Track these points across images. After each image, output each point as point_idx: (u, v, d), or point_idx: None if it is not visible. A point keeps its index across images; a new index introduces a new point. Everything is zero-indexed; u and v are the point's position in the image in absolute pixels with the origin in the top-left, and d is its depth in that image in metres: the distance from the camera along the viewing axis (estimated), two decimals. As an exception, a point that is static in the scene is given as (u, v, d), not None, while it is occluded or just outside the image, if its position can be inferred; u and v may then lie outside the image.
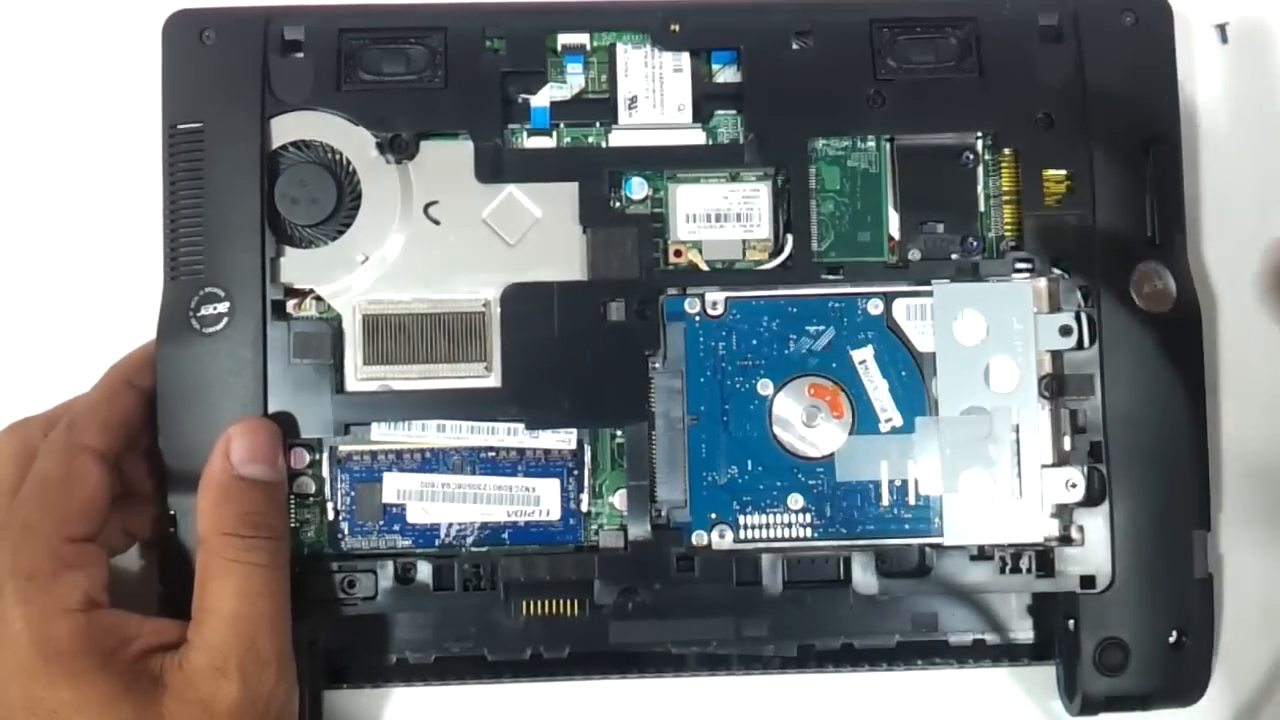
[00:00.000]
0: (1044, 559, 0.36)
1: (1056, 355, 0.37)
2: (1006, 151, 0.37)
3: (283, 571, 0.34)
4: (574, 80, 0.38)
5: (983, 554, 0.36)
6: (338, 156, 0.37)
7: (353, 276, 0.36)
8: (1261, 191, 0.40)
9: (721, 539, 0.36)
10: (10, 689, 0.31)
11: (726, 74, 0.38)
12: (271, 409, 0.35)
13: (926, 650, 0.38)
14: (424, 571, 0.36)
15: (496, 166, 0.37)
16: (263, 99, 0.36)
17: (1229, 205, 0.40)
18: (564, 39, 0.38)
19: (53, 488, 0.33)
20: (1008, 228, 0.37)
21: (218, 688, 0.32)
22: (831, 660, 0.38)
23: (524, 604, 0.36)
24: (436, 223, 0.37)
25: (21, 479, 0.34)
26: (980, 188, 0.38)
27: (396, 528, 0.36)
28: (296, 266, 0.36)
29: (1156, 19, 0.38)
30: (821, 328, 0.36)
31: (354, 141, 0.37)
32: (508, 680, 0.38)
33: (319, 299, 0.36)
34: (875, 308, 0.36)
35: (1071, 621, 0.36)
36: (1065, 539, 0.36)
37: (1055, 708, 0.38)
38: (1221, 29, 0.41)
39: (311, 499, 0.36)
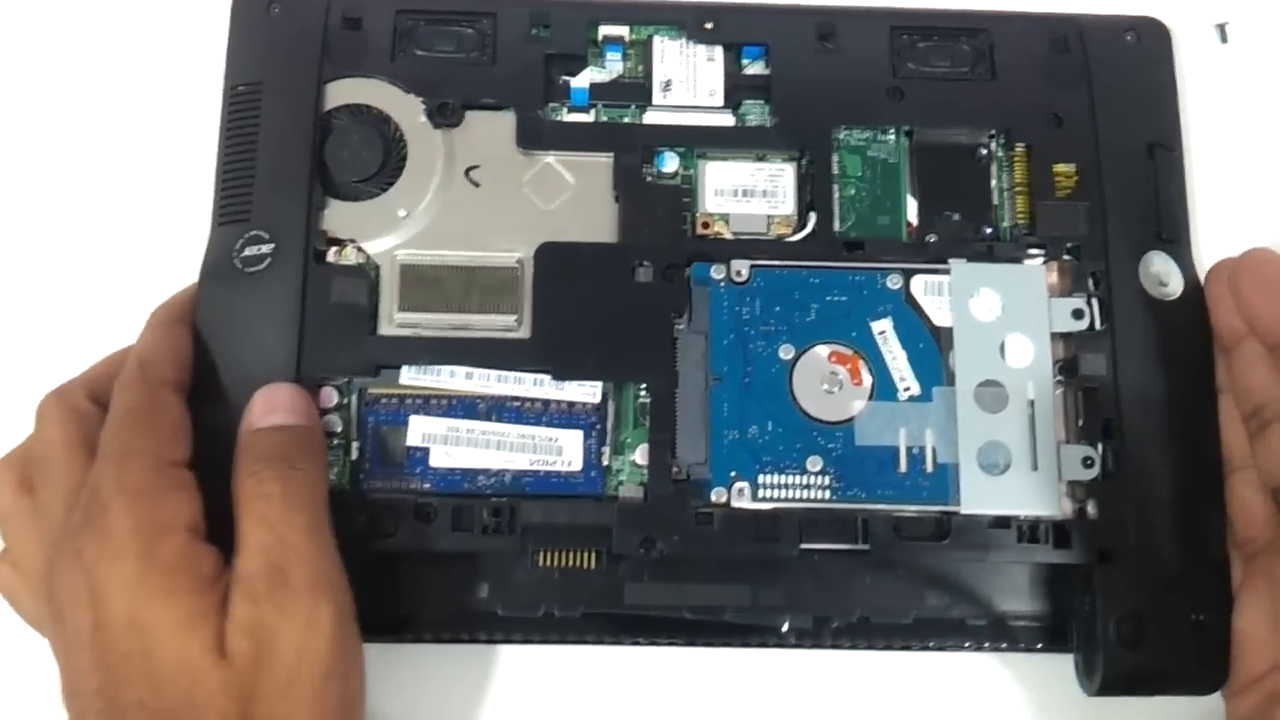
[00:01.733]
0: (1060, 533, 0.36)
1: (1069, 337, 0.38)
2: (1018, 147, 0.40)
3: (310, 505, 0.34)
4: (613, 66, 0.40)
5: (1000, 524, 0.37)
6: (387, 120, 0.39)
7: (393, 230, 0.38)
8: (1261, 192, 0.42)
9: (740, 496, 0.36)
10: (115, 603, 0.31)
11: (755, 68, 0.41)
12: (306, 348, 0.36)
13: (942, 629, 0.38)
14: (444, 514, 0.36)
15: (537, 136, 0.39)
16: (320, 64, 0.39)
17: (1229, 205, 0.42)
18: (605, 30, 0.40)
19: (143, 417, 0.34)
20: (1020, 216, 0.39)
21: (255, 617, 0.31)
22: (846, 636, 0.38)
23: (541, 554, 0.36)
24: (476, 185, 0.38)
25: (74, 439, 0.34)
26: (994, 181, 0.40)
27: (418, 471, 0.36)
28: (339, 217, 0.38)
29: (1155, 39, 0.41)
30: (842, 298, 0.38)
31: (403, 107, 0.39)
32: (518, 641, 0.37)
33: (359, 249, 0.38)
34: (894, 282, 0.38)
35: (1089, 597, 0.36)
36: (1081, 513, 0.37)
37: (1068, 699, 0.38)
38: (1221, 29, 0.43)
39: (337, 439, 0.37)
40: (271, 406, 0.35)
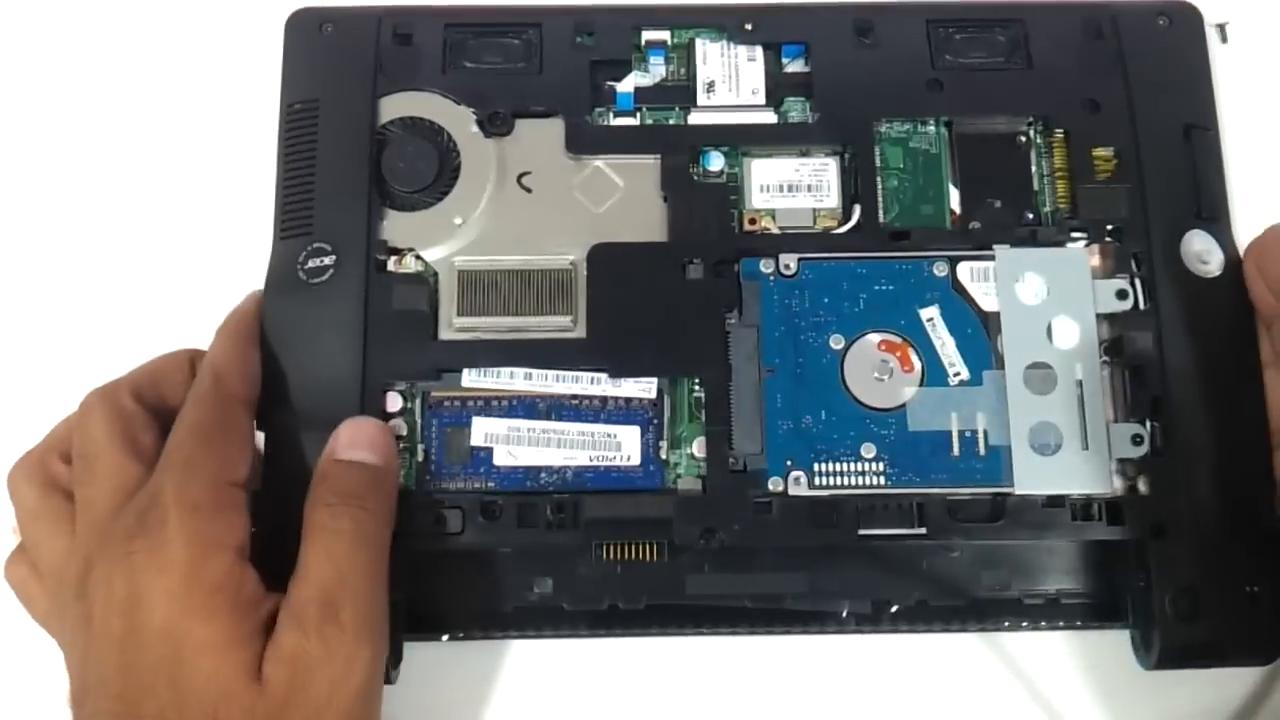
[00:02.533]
0: (1113, 510, 0.37)
1: (1114, 318, 0.38)
2: (1057, 134, 0.40)
3: (373, 547, 0.34)
4: (656, 70, 0.41)
5: (1053, 503, 0.37)
6: (440, 131, 0.40)
7: (449, 237, 0.39)
8: (1261, 192, 0.42)
9: (797, 485, 0.37)
10: (155, 611, 0.32)
11: (795, 66, 0.41)
12: (370, 355, 0.37)
13: (999, 609, 0.38)
14: (509, 511, 0.37)
15: (585, 141, 0.40)
16: (374, 80, 0.40)
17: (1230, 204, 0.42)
18: (647, 35, 0.41)
19: (213, 432, 0.35)
20: (1061, 201, 0.40)
21: (299, 647, 0.32)
22: (905, 619, 0.38)
23: (604, 548, 0.37)
24: (528, 191, 0.40)
25: (120, 437, 0.35)
26: (1034, 168, 0.40)
27: (483, 470, 0.38)
28: (398, 228, 0.39)
29: (1188, 22, 0.42)
30: (890, 287, 0.39)
31: (456, 118, 0.40)
32: (584, 634, 0.38)
33: (418, 257, 0.39)
34: (940, 270, 0.39)
35: (1143, 572, 0.37)
36: (1132, 490, 0.37)
37: (1125, 673, 0.38)
38: (1221, 29, 0.44)
39: (403, 442, 0.38)
40: (355, 440, 0.36)
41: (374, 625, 0.34)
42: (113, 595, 0.32)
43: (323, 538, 0.34)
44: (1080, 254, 0.39)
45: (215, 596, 0.32)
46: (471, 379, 0.38)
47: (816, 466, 0.37)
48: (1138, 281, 0.39)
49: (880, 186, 0.40)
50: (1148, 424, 0.37)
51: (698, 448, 0.38)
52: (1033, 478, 0.37)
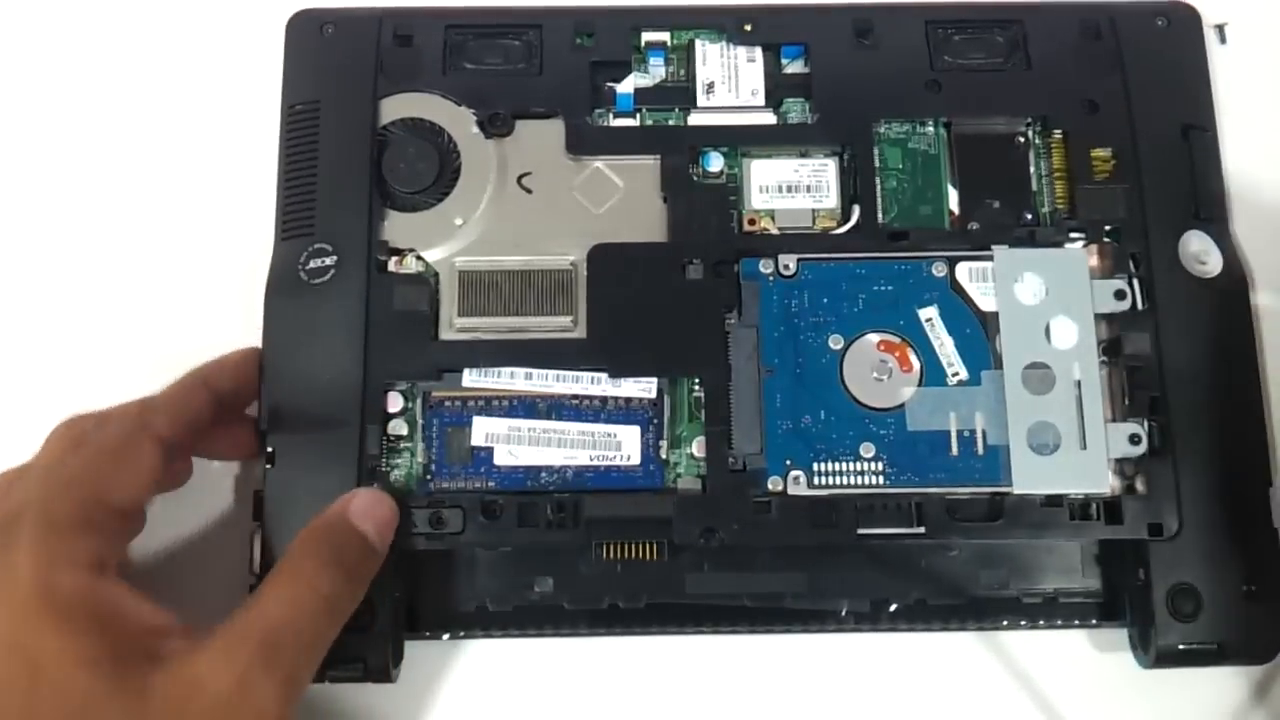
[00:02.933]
0: (1112, 509, 0.37)
1: (1112, 318, 0.39)
2: (1056, 134, 0.40)
3: (337, 621, 0.34)
4: (656, 71, 0.41)
5: (1051, 502, 0.37)
6: (441, 132, 0.40)
7: (450, 238, 0.39)
8: (1260, 192, 0.42)
9: (796, 484, 0.37)
10: (2, 625, 0.31)
11: (795, 66, 0.42)
12: (371, 355, 0.38)
13: (998, 608, 0.39)
14: (510, 510, 0.37)
15: (585, 142, 0.40)
16: (375, 81, 0.40)
17: (1230, 204, 0.42)
18: (647, 36, 0.42)
19: (106, 452, 0.34)
20: (1060, 201, 0.40)
21: (212, 674, 0.31)
22: (904, 618, 0.39)
23: (604, 547, 0.37)
24: (529, 192, 0.40)
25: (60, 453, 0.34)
26: (1033, 168, 0.41)
27: (483, 470, 0.38)
28: (398, 228, 0.39)
29: (1186, 23, 0.42)
30: (889, 288, 0.39)
31: (456, 119, 0.40)
32: (584, 634, 0.38)
33: (418, 258, 0.39)
34: (939, 270, 0.39)
35: (1142, 571, 0.37)
36: (1130, 490, 0.37)
37: (1124, 672, 0.38)
38: (1220, 30, 0.44)
39: (404, 442, 0.38)
40: (369, 514, 0.35)
41: (297, 694, 0.32)
42: None
43: (297, 586, 0.33)
44: (1079, 254, 0.39)
45: (70, 611, 0.31)
46: (472, 379, 0.38)
47: (816, 466, 0.37)
48: (1136, 282, 0.39)
49: (879, 187, 0.40)
50: (1146, 424, 0.38)
51: (697, 447, 0.38)
52: (1031, 477, 0.37)
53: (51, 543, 0.32)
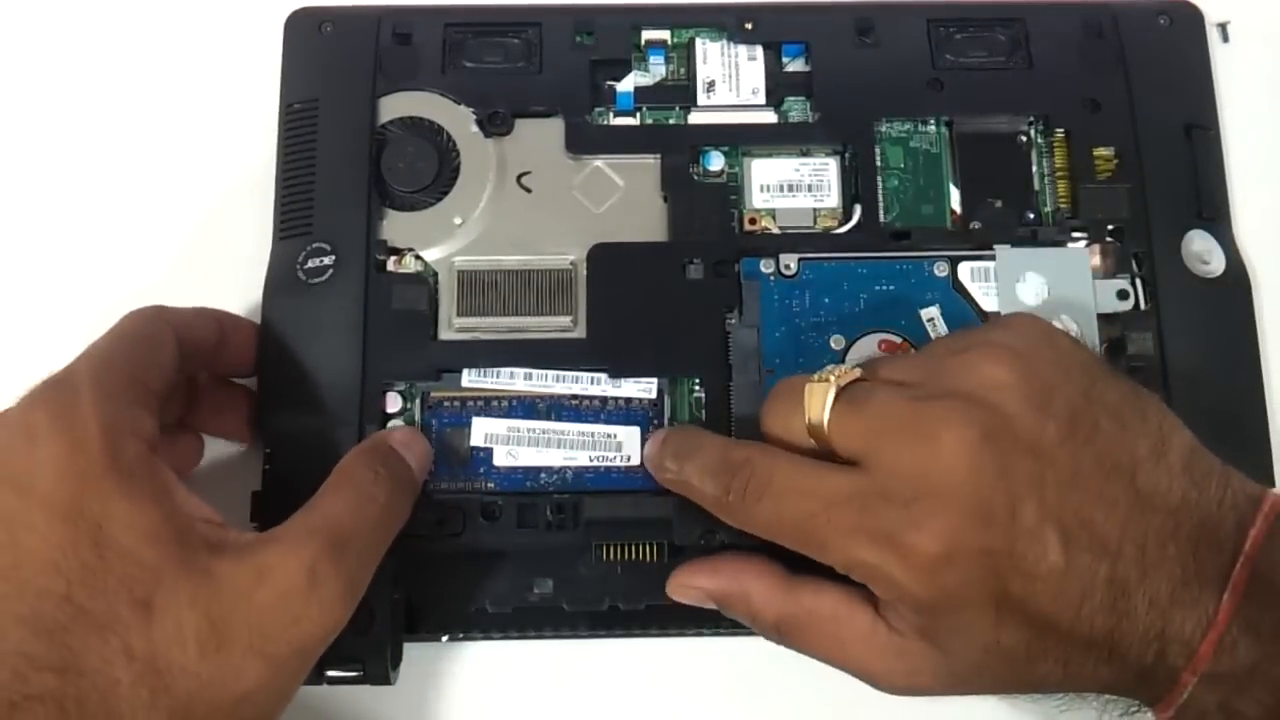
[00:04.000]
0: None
1: (1114, 318, 0.38)
2: (1058, 133, 0.40)
3: (390, 529, 0.34)
4: (656, 70, 0.41)
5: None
6: (440, 131, 0.40)
7: (449, 237, 0.39)
8: (1262, 192, 0.42)
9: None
10: (59, 492, 0.29)
11: (796, 65, 0.41)
12: (370, 355, 0.37)
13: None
14: (509, 511, 0.37)
15: (585, 141, 0.40)
16: (374, 79, 0.40)
17: (1232, 203, 0.42)
18: (647, 34, 0.41)
19: (137, 339, 0.33)
20: (1062, 201, 0.40)
21: (284, 565, 0.30)
22: (905, 619, 0.38)
23: (604, 548, 0.37)
24: (528, 191, 0.40)
25: None
26: (1035, 167, 0.40)
27: (483, 470, 0.37)
28: (397, 227, 0.39)
29: (1188, 21, 0.42)
30: (890, 287, 0.39)
31: (455, 118, 0.40)
32: (584, 634, 0.38)
33: (417, 257, 0.39)
34: (941, 270, 0.39)
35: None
36: (1133, 490, 0.37)
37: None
38: (1222, 28, 0.43)
39: (403, 442, 0.38)
40: (410, 447, 0.35)
41: (356, 599, 0.32)
42: (1, 475, 0.30)
43: (357, 493, 0.33)
44: (1081, 254, 0.39)
45: (135, 481, 0.30)
46: (471, 379, 0.38)
47: (817, 467, 0.37)
48: (1138, 281, 0.39)
49: (881, 186, 0.40)
50: (1148, 424, 0.37)
51: (698, 448, 0.38)
52: (1033, 478, 0.37)
53: (113, 409, 0.30)
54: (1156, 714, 0.30)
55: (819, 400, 0.32)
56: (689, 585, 0.36)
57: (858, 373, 0.33)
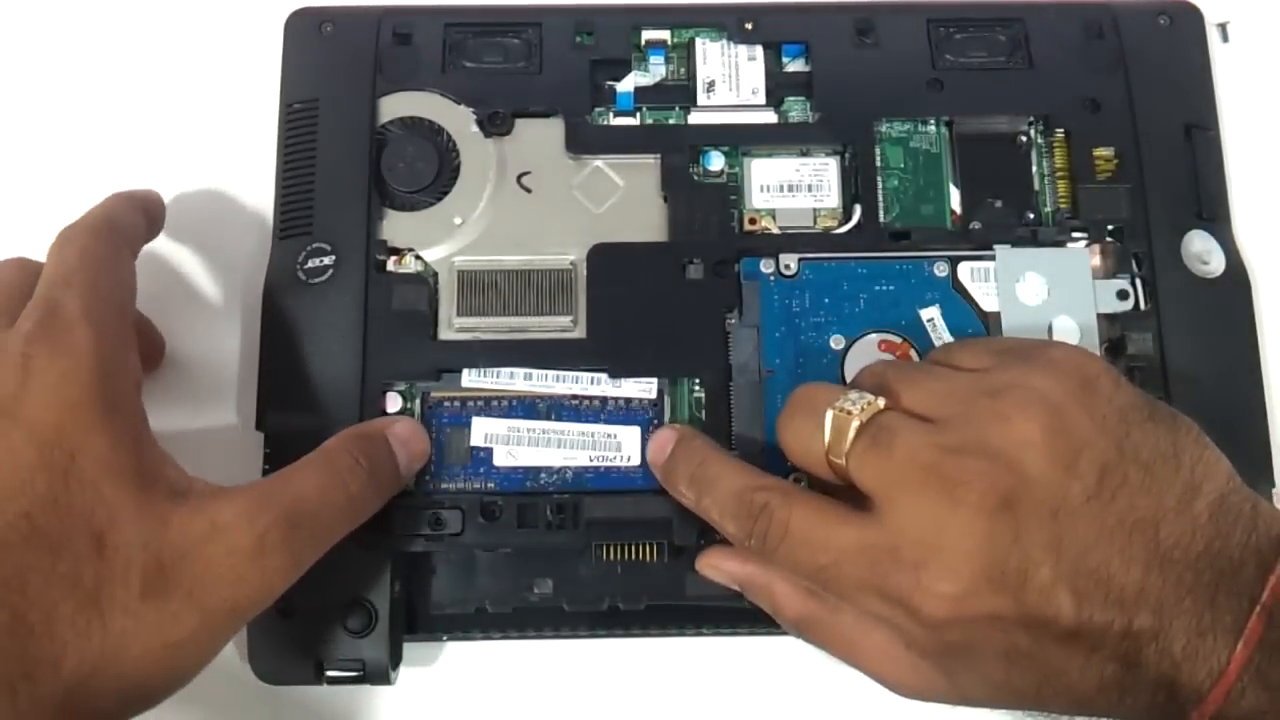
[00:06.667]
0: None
1: (1114, 318, 0.38)
2: (1058, 133, 0.40)
3: (350, 525, 0.34)
4: (656, 70, 0.41)
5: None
6: (440, 131, 0.40)
7: (449, 237, 0.39)
8: (1262, 192, 0.42)
9: (798, 484, 0.37)
10: (45, 417, 0.30)
11: (796, 65, 0.41)
12: (370, 355, 0.37)
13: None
14: (509, 511, 0.37)
15: (585, 141, 0.40)
16: (374, 80, 0.40)
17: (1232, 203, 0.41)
18: (647, 34, 0.41)
19: (110, 266, 0.33)
20: (1062, 201, 0.40)
21: (236, 526, 0.31)
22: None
23: (604, 548, 0.37)
24: (528, 191, 0.40)
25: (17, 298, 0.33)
26: (1035, 168, 0.40)
27: (483, 470, 0.37)
28: (397, 227, 0.39)
29: (1188, 21, 0.42)
30: (890, 287, 0.39)
31: (455, 118, 0.40)
32: (584, 634, 0.38)
33: (417, 257, 0.39)
34: (941, 270, 0.39)
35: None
36: (1133, 490, 0.37)
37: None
38: (1222, 28, 0.43)
39: (403, 442, 0.38)
40: (407, 444, 0.36)
41: (296, 575, 0.32)
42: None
43: (329, 476, 0.33)
44: (1081, 254, 0.39)
45: (117, 418, 0.31)
46: (471, 379, 0.38)
47: (817, 467, 0.37)
48: (1138, 282, 0.39)
49: (881, 186, 0.40)
50: (1148, 424, 0.37)
51: (698, 448, 0.38)
52: (1033, 478, 0.37)
53: (107, 347, 0.31)
54: None
55: (840, 434, 0.32)
56: (718, 566, 0.36)
57: (881, 404, 0.32)
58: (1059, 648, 0.29)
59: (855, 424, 0.32)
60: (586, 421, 0.38)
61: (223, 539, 0.30)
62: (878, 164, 0.40)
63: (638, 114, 0.41)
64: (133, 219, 0.36)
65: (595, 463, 0.38)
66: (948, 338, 0.38)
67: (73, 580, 0.29)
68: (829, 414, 0.32)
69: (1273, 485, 0.38)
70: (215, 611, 0.30)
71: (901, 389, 0.33)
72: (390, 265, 0.39)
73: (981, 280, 0.39)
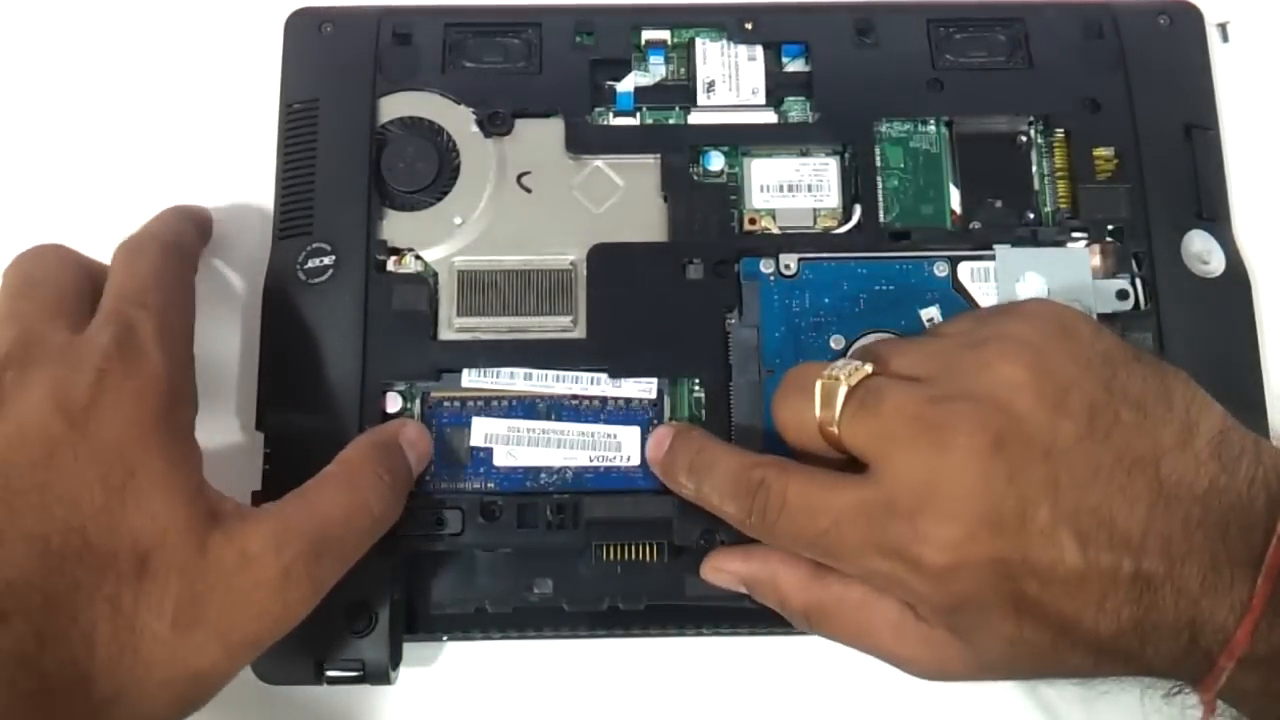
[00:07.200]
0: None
1: (1114, 318, 0.38)
2: (1058, 133, 0.40)
3: (371, 541, 0.34)
4: (656, 70, 0.41)
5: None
6: (440, 131, 0.40)
7: (449, 237, 0.39)
8: (1262, 192, 0.42)
9: (796, 469, 0.37)
10: (110, 431, 0.30)
11: (795, 65, 0.41)
12: (370, 355, 0.37)
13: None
14: (509, 511, 0.37)
15: (585, 141, 0.40)
16: (374, 80, 0.40)
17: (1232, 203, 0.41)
18: (647, 34, 0.41)
19: (180, 290, 0.35)
20: (1062, 201, 0.40)
21: (264, 557, 0.31)
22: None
23: (604, 548, 0.37)
24: (528, 191, 0.40)
25: (67, 264, 0.34)
26: (1034, 168, 0.41)
27: (483, 470, 0.37)
28: (397, 227, 0.39)
29: (1188, 21, 0.42)
30: (890, 287, 0.39)
31: (455, 118, 0.40)
32: (584, 634, 0.38)
33: (417, 257, 0.39)
34: (941, 270, 0.39)
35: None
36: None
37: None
38: (1222, 28, 0.43)
39: (403, 442, 0.38)
40: (415, 447, 0.36)
41: (317, 600, 0.32)
42: (57, 400, 0.30)
43: (354, 496, 0.33)
44: (1081, 254, 0.39)
45: (176, 441, 0.31)
46: (471, 379, 0.38)
47: (817, 467, 0.37)
48: (1138, 281, 0.39)
49: (881, 186, 0.40)
50: (1148, 424, 0.37)
51: (698, 448, 0.38)
52: (1033, 478, 0.37)
53: (175, 374, 0.32)
54: (1198, 694, 0.30)
55: (829, 400, 0.32)
56: (721, 569, 0.36)
57: (868, 369, 0.33)
58: (1069, 595, 0.29)
59: (843, 389, 0.32)
60: (586, 421, 0.38)
61: (250, 572, 0.31)
62: (878, 164, 0.40)
63: (638, 114, 0.41)
64: (193, 237, 0.37)
65: (595, 463, 0.38)
66: (948, 338, 0.38)
67: (114, 603, 0.29)
68: (817, 384, 0.33)
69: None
70: (238, 644, 0.31)
71: (889, 356, 0.33)
72: (390, 265, 0.39)
73: (981, 280, 0.39)
